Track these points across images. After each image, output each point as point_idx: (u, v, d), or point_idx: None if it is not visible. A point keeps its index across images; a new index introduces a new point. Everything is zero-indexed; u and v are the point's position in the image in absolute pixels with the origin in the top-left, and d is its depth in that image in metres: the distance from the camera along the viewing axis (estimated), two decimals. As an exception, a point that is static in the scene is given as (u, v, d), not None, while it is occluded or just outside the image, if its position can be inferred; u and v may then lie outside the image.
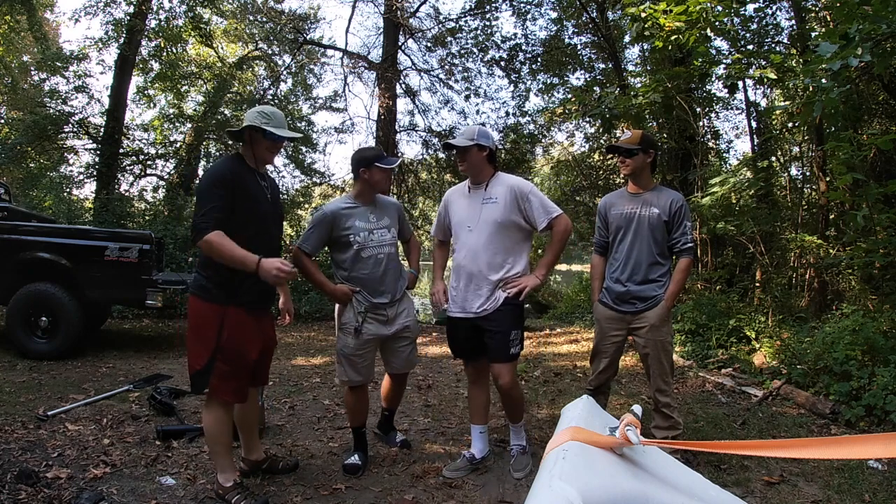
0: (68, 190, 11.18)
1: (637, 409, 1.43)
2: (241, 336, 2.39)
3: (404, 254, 3.34)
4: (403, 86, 12.86)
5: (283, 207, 2.80)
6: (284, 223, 2.67)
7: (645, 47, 9.05)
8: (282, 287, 2.75)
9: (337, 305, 2.92)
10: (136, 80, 11.92)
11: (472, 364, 2.99)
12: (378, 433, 3.32)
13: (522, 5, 12.09)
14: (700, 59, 5.50)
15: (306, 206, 13.86)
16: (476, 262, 2.76)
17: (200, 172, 13.00)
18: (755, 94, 9.01)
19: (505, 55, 12.46)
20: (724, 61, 5.87)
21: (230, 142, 12.30)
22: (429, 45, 12.69)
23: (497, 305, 2.75)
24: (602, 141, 11.66)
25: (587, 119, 11.79)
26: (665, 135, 8.64)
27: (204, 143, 13.02)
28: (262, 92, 12.96)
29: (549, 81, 12.45)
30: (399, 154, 12.77)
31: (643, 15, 5.01)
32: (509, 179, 2.85)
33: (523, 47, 12.32)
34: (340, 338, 2.88)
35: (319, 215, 2.89)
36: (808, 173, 8.14)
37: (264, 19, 12.23)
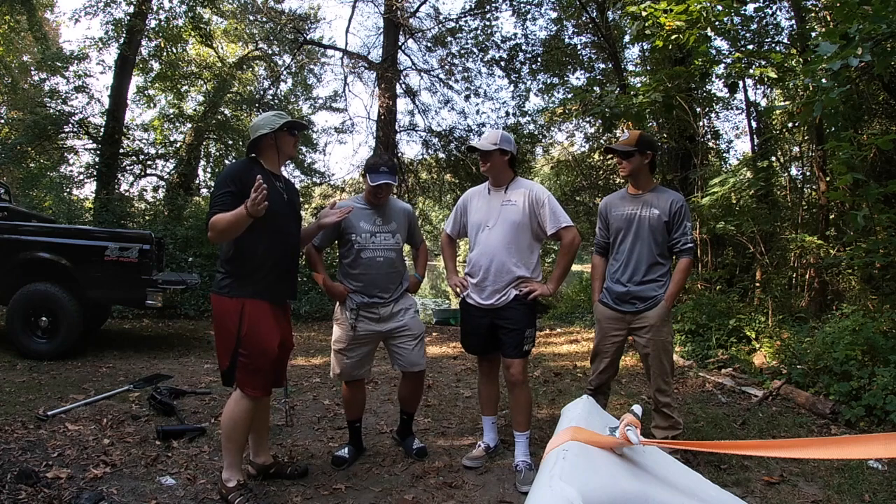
0: (68, 190, 11.17)
1: (637, 409, 1.43)
2: (261, 328, 2.43)
3: (412, 258, 3.38)
4: (403, 86, 12.86)
5: (300, 207, 2.88)
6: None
7: (645, 47, 9.04)
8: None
9: (337, 303, 3.00)
10: (136, 80, 11.93)
11: (485, 359, 3.11)
12: (396, 439, 3.29)
13: (522, 5, 12.10)
14: (700, 59, 5.49)
15: (306, 206, 13.86)
16: (493, 260, 2.86)
17: (200, 172, 13.04)
18: (755, 94, 9.02)
19: (505, 55, 12.47)
20: (725, 61, 5.86)
21: (230, 142, 12.32)
22: (429, 45, 12.71)
23: (508, 300, 2.84)
24: (602, 141, 11.67)
25: (587, 119, 11.83)
26: (665, 135, 8.64)
27: (204, 143, 13.03)
28: (262, 92, 12.97)
29: (549, 81, 12.47)
30: (397, 158, 12.74)
31: (644, 14, 5.00)
32: (529, 184, 2.98)
33: (523, 47, 12.33)
34: (334, 331, 2.97)
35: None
36: (808, 173, 8.15)
37: (264, 19, 12.23)
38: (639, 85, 7.17)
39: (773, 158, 7.74)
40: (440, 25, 12.47)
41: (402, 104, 13.20)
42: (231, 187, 2.39)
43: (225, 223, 2.32)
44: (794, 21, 7.56)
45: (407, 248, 3.25)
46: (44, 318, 4.98)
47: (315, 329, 7.91)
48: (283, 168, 2.71)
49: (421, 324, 3.09)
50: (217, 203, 2.38)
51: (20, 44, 13.81)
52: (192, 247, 8.53)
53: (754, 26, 7.08)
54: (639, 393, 4.50)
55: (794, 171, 8.48)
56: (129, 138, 11.63)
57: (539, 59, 12.30)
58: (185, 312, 7.93)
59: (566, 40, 12.22)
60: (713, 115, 9.89)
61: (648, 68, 9.82)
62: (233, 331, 2.40)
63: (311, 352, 6.16)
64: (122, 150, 11.13)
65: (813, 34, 6.33)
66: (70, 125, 10.83)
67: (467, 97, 13.01)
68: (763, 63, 5.54)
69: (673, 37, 5.01)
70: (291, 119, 2.58)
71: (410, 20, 12.11)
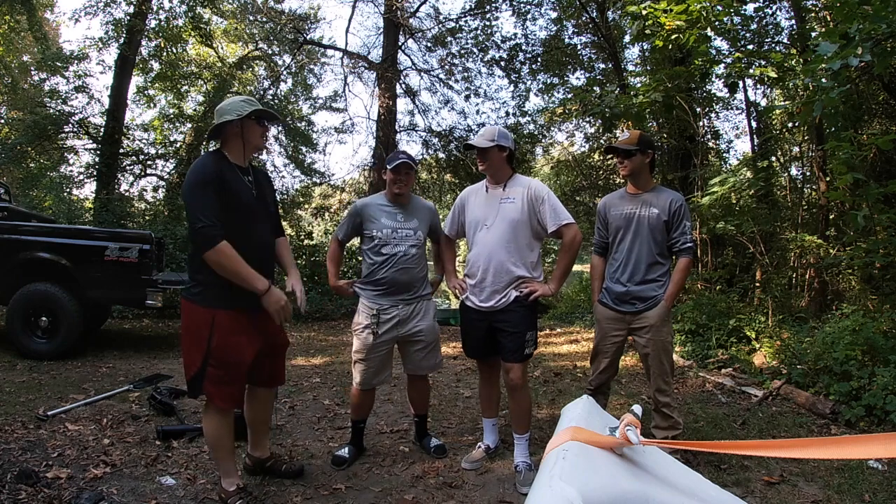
0: (68, 190, 11.19)
1: (637, 409, 1.43)
2: (233, 340, 2.32)
3: (434, 256, 3.35)
4: (403, 86, 12.87)
5: (273, 201, 2.67)
6: (284, 223, 2.57)
7: (645, 47, 9.05)
8: (291, 269, 2.62)
9: (356, 313, 2.99)
10: (136, 80, 11.94)
11: (485, 362, 3.08)
12: (415, 442, 3.29)
13: (522, 5, 12.11)
14: (700, 59, 5.49)
15: (306, 206, 13.85)
16: (491, 260, 2.80)
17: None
18: (755, 94, 9.01)
19: (505, 55, 12.48)
20: (725, 61, 5.86)
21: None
22: (429, 45, 12.72)
23: (508, 302, 2.78)
24: (602, 141, 11.68)
25: (587, 119, 11.83)
26: (665, 134, 8.64)
27: (204, 143, 13.02)
28: (262, 92, 12.96)
29: (549, 81, 12.47)
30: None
31: (644, 14, 5.01)
32: (528, 181, 2.93)
33: (523, 47, 12.34)
34: (354, 342, 2.97)
35: (351, 207, 3.08)
36: (808, 173, 8.15)
37: (264, 19, 12.23)
38: (639, 85, 7.18)
39: (773, 158, 7.74)
40: (440, 25, 12.48)
41: (402, 104, 13.23)
42: (213, 190, 2.23)
43: (234, 271, 2.19)
44: (794, 21, 7.56)
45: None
46: (44, 318, 4.98)
47: (315, 329, 7.91)
48: (248, 160, 2.49)
49: (436, 329, 3.07)
50: (207, 210, 2.19)
51: (20, 44, 13.81)
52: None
53: (754, 26, 7.08)
54: (639, 393, 4.50)
55: (794, 171, 8.48)
56: (129, 138, 11.64)
57: (539, 59, 12.30)
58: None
59: (566, 40, 12.23)
60: (713, 115, 9.90)
61: (648, 68, 9.83)
62: (203, 341, 2.29)
63: (311, 352, 6.16)
64: (122, 150, 11.13)
65: (813, 34, 6.33)
66: (70, 125, 10.84)
67: (467, 97, 13.03)
68: (763, 63, 5.54)
69: (673, 37, 5.01)
70: (261, 108, 2.42)
71: (410, 20, 12.12)
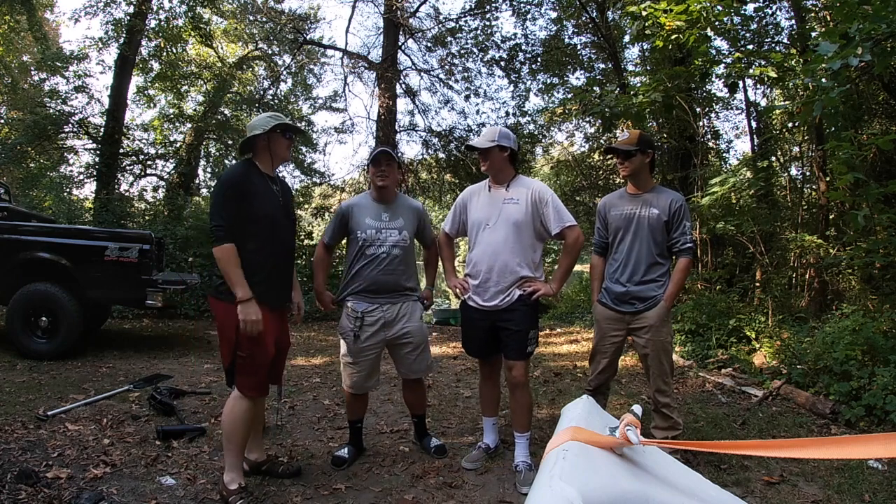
0: (68, 190, 11.19)
1: (637, 409, 1.43)
2: (259, 332, 2.46)
3: (423, 261, 3.34)
4: (403, 86, 12.86)
5: (294, 209, 2.86)
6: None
7: (645, 47, 9.05)
8: (294, 284, 2.81)
9: (342, 315, 2.98)
10: (136, 80, 11.94)
11: (486, 362, 3.08)
12: (415, 442, 3.29)
13: (522, 5, 12.11)
14: (700, 59, 5.49)
15: (306, 206, 13.85)
16: (494, 260, 2.80)
17: (200, 172, 13.05)
18: (755, 94, 9.02)
19: (505, 55, 12.48)
20: (725, 61, 5.86)
21: (230, 142, 12.35)
22: (429, 45, 12.71)
23: (512, 301, 2.79)
24: (602, 140, 11.68)
25: (587, 119, 11.83)
26: (665, 134, 8.64)
27: (204, 143, 13.03)
28: (262, 92, 12.97)
29: (549, 81, 12.47)
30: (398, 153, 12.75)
31: (644, 14, 5.00)
32: (531, 182, 2.94)
33: (523, 47, 12.34)
34: (341, 345, 2.96)
35: (337, 209, 3.08)
36: (808, 173, 8.15)
37: (264, 19, 12.23)
38: (639, 85, 7.17)
39: (773, 158, 7.74)
40: (440, 25, 12.48)
41: (402, 104, 13.22)
42: (234, 195, 2.45)
43: (228, 271, 2.39)
44: (794, 21, 7.56)
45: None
46: (44, 318, 4.98)
47: (315, 329, 7.91)
48: (275, 170, 2.71)
49: (424, 330, 3.05)
50: (222, 212, 2.42)
51: (20, 44, 13.81)
52: (192, 247, 8.53)
53: (754, 26, 7.08)
54: (639, 393, 4.50)
55: (794, 171, 8.49)
56: (129, 138, 11.65)
57: (539, 59, 12.30)
58: (185, 312, 7.94)
59: (566, 40, 12.23)
60: (713, 115, 9.90)
61: (648, 68, 9.83)
62: (231, 334, 2.46)
63: (311, 352, 6.16)
64: (122, 150, 11.14)
65: (813, 34, 6.33)
66: (70, 125, 10.85)
67: (467, 97, 13.03)
68: (763, 63, 5.54)
69: (673, 37, 5.01)
70: (285, 122, 2.59)
71: (410, 20, 12.11)
